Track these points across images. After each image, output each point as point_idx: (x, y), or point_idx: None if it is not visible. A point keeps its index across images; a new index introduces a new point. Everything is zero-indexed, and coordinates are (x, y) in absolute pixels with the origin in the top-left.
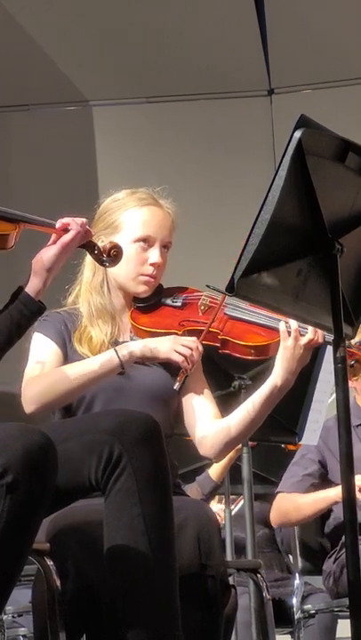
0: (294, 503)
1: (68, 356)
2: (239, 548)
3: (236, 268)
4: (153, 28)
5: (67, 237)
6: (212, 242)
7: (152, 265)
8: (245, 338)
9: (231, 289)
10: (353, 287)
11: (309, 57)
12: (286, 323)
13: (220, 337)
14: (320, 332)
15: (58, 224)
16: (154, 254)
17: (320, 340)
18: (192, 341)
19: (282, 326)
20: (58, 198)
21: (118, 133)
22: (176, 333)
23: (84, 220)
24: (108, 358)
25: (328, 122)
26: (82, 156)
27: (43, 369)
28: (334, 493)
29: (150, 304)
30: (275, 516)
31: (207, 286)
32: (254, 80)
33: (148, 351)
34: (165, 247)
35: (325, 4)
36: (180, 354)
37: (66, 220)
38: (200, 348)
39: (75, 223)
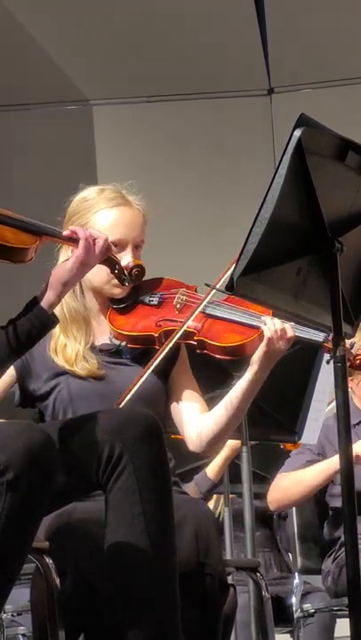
0: (293, 476)
1: (43, 366)
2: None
3: (235, 267)
4: (153, 27)
5: (79, 253)
6: (211, 241)
7: (125, 268)
8: (221, 339)
9: (231, 288)
10: (353, 286)
11: (309, 56)
12: (265, 322)
13: (196, 338)
14: (288, 324)
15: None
16: (126, 257)
17: (291, 333)
18: None
19: (266, 331)
20: (58, 197)
21: (118, 132)
22: (153, 336)
23: (103, 236)
24: None
25: (328, 121)
26: (82, 156)
27: None
28: (335, 461)
29: (127, 304)
30: (273, 495)
31: (206, 285)
32: (254, 79)
33: None
34: (138, 246)
35: (325, 4)
36: None
37: (75, 228)
38: None
39: (82, 234)
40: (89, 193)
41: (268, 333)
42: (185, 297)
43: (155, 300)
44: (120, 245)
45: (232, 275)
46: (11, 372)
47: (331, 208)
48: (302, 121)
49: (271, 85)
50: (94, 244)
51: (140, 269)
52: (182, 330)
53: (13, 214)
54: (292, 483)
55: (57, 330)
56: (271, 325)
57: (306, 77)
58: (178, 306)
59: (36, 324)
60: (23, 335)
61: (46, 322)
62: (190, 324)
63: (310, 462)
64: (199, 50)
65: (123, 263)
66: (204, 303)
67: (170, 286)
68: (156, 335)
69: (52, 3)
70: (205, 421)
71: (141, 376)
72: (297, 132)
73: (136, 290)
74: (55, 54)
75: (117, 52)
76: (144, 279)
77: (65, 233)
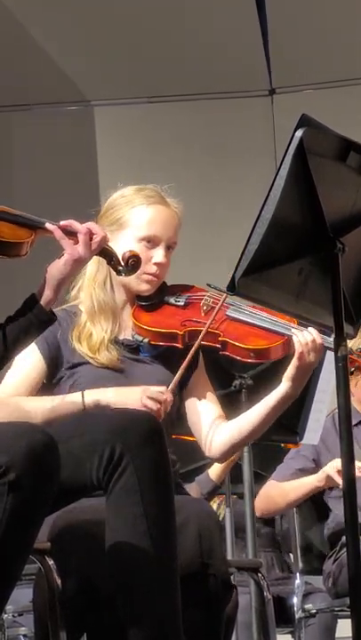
0: (277, 489)
1: (64, 357)
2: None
3: (237, 267)
4: (154, 28)
5: (71, 249)
6: (213, 242)
7: (156, 265)
8: (246, 340)
9: (232, 288)
10: (354, 286)
11: (311, 56)
12: (294, 334)
13: (220, 339)
14: (315, 332)
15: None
16: (158, 254)
17: (319, 340)
18: (161, 393)
19: (298, 346)
20: (59, 198)
21: (119, 133)
22: (177, 334)
23: (101, 233)
24: (72, 401)
25: (330, 121)
26: (83, 156)
27: (15, 386)
28: (315, 478)
29: (153, 303)
30: (258, 503)
31: (208, 285)
32: (255, 80)
33: (115, 402)
34: (170, 247)
35: (327, 4)
36: (148, 407)
37: (68, 223)
38: (170, 398)
39: (78, 227)
40: (127, 190)
41: (299, 348)
42: (212, 300)
43: (181, 302)
44: (153, 242)
45: (233, 275)
46: (40, 365)
47: (332, 208)
48: (304, 121)
49: (273, 86)
50: (90, 239)
51: (136, 259)
52: (207, 328)
53: (8, 209)
54: (276, 494)
55: (83, 318)
56: (302, 339)
57: (307, 78)
58: (205, 308)
59: (34, 321)
60: (22, 333)
61: (44, 319)
62: (215, 325)
63: (300, 471)
64: (200, 50)
65: (154, 260)
66: (222, 302)
67: (197, 291)
68: (180, 333)
69: (53, 3)
70: (226, 430)
71: (183, 369)
72: (298, 133)
73: (163, 290)
74: (56, 54)
75: (118, 53)
76: (171, 284)
77: (62, 223)
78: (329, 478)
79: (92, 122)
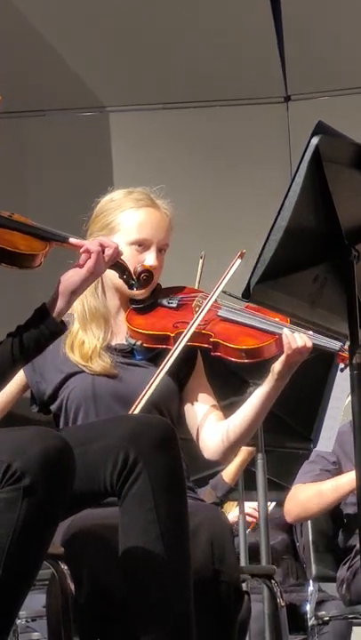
0: (312, 491)
1: (57, 366)
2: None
3: (252, 274)
4: (169, 33)
5: (90, 263)
6: (227, 248)
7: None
8: (236, 341)
9: (247, 295)
10: None
11: (326, 63)
12: (284, 334)
13: (211, 340)
14: (306, 337)
15: (80, 245)
16: (149, 257)
17: (309, 345)
18: None
19: (285, 338)
20: (73, 203)
21: (134, 139)
22: (169, 335)
23: (113, 244)
24: None
25: (345, 129)
26: (98, 162)
27: None
28: (351, 479)
29: (146, 305)
30: (292, 508)
31: (223, 292)
32: (271, 87)
33: None
34: (162, 249)
35: (343, 10)
36: None
37: (83, 243)
38: None
39: (93, 247)
40: (117, 194)
41: (288, 350)
42: (204, 301)
43: (174, 303)
44: (144, 246)
45: (249, 281)
46: (21, 379)
47: (348, 215)
48: (320, 128)
49: (288, 93)
50: (103, 253)
51: (149, 274)
52: (192, 328)
53: (25, 220)
54: (310, 496)
55: (75, 326)
56: (293, 343)
57: (323, 85)
58: (196, 309)
59: (45, 332)
60: (32, 343)
61: (55, 330)
62: (206, 326)
63: (324, 471)
64: (215, 56)
65: (145, 263)
66: (212, 300)
67: (190, 292)
68: (172, 335)
69: (68, 9)
70: (222, 429)
71: (155, 379)
72: (314, 140)
73: (156, 293)
74: (71, 60)
75: (133, 59)
76: (165, 287)
77: (71, 240)
78: None
79: (107, 128)
